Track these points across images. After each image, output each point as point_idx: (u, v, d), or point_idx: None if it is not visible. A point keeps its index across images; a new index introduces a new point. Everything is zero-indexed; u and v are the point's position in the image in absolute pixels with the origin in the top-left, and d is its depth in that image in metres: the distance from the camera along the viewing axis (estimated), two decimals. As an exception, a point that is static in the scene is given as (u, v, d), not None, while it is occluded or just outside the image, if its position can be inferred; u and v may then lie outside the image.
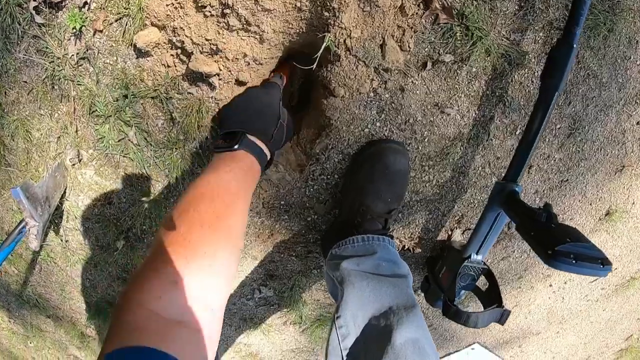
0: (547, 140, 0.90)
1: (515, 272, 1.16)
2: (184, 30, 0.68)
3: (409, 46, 0.74)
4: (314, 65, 0.70)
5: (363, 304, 0.70)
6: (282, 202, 0.94)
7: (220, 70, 0.73)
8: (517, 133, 0.88)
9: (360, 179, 0.83)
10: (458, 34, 0.75)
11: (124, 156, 0.89)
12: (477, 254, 0.88)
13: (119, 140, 0.87)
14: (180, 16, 0.67)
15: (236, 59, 0.71)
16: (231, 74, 0.74)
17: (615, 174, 1.01)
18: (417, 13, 0.72)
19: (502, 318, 0.84)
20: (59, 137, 0.90)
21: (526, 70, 0.82)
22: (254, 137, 0.60)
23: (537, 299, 1.28)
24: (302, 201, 0.93)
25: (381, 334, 0.64)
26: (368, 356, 0.64)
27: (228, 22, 0.65)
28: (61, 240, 1.07)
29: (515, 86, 0.83)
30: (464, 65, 0.78)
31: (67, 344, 1.49)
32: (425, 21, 0.74)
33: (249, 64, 0.74)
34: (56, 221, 1.03)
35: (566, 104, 0.88)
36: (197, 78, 0.77)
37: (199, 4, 0.64)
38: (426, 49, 0.76)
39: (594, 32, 0.80)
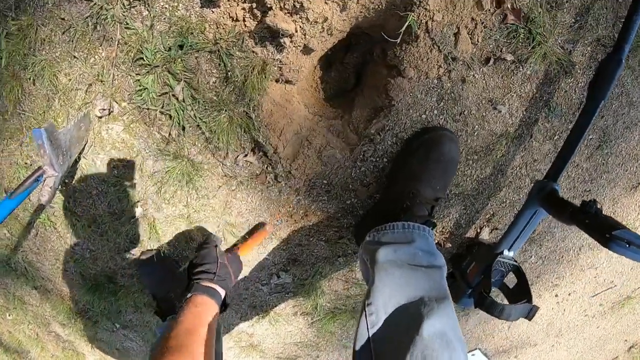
0: (579, 148, 1.01)
1: (528, 278, 1.27)
2: (268, -15, 0.71)
3: (478, 39, 0.82)
4: (398, 40, 0.75)
5: (395, 292, 0.73)
6: (325, 182, 0.97)
7: (296, 31, 0.76)
8: (555, 138, 0.98)
9: (414, 163, 0.88)
10: (521, 36, 0.84)
11: (162, 113, 0.88)
12: (509, 250, 0.97)
13: (160, 94, 0.86)
14: (267, -29, 0.70)
15: (315, 22, 0.74)
16: (304, 37, 0.77)
17: (631, 190, 1.14)
18: (490, 10, 0.80)
19: (530, 314, 0.92)
20: (90, 84, 0.87)
21: (572, 79, 0.92)
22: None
23: (541, 308, 1.40)
24: (345, 182, 0.97)
25: (410, 323, 0.67)
26: (395, 344, 0.67)
27: (320, -17, 0.69)
28: (68, 203, 1.03)
29: (561, 93, 0.93)
30: (522, 66, 0.87)
31: (50, 320, 1.42)
32: (495, 19, 0.82)
33: (323, 30, 0.78)
34: (66, 180, 0.99)
35: (599, 117, 1.00)
36: (265, 37, 0.79)
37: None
38: (491, 45, 0.84)
39: (635, 52, 0.92)
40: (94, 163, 0.97)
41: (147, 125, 0.91)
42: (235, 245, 1.08)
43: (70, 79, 0.87)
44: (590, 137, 1.01)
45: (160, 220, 1.05)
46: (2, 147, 1.00)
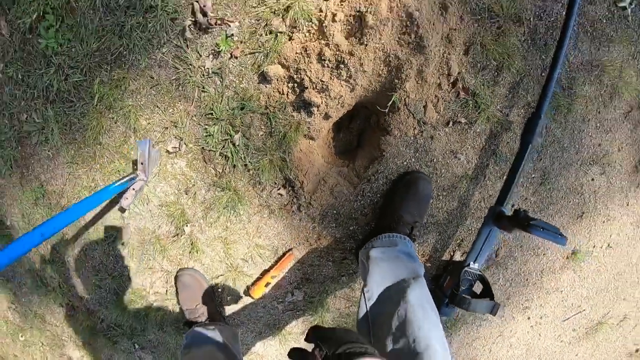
0: (525, 185, 1.38)
1: (499, 299, 1.54)
2: (305, 71, 1.11)
3: (440, 109, 1.24)
4: (387, 110, 1.16)
5: (384, 276, 1.04)
6: (334, 211, 1.30)
7: (321, 104, 1.16)
8: (503, 177, 1.36)
9: (398, 197, 1.24)
10: (470, 105, 1.26)
11: (221, 154, 1.23)
12: (474, 262, 1.27)
13: (222, 140, 1.21)
14: (304, 62, 1.11)
15: (335, 98, 1.14)
16: (326, 108, 1.17)
17: (577, 218, 1.49)
18: (447, 89, 1.23)
19: (494, 310, 1.19)
20: (166, 127, 1.21)
21: (511, 133, 1.32)
22: None
23: (517, 331, 1.64)
24: (349, 212, 1.30)
25: (395, 296, 0.97)
26: (385, 310, 0.96)
27: (339, 72, 1.10)
28: (121, 220, 1.31)
29: (504, 144, 1.32)
30: (472, 126, 1.28)
31: (67, 341, 1.54)
32: (451, 95, 1.25)
33: (338, 103, 1.18)
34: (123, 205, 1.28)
35: (538, 160, 1.38)
36: (300, 106, 1.18)
37: (322, 57, 1.10)
38: (450, 113, 1.26)
39: (558, 110, 1.32)
40: (154, 190, 1.27)
41: (205, 163, 1.24)
42: (268, 269, 1.36)
43: (149, 123, 1.21)
44: (533, 175, 1.39)
45: (201, 241, 1.33)
46: (72, 170, 1.30)
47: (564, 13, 1.19)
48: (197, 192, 1.27)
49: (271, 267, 1.35)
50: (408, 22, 1.07)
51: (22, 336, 1.60)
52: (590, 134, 1.38)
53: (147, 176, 1.12)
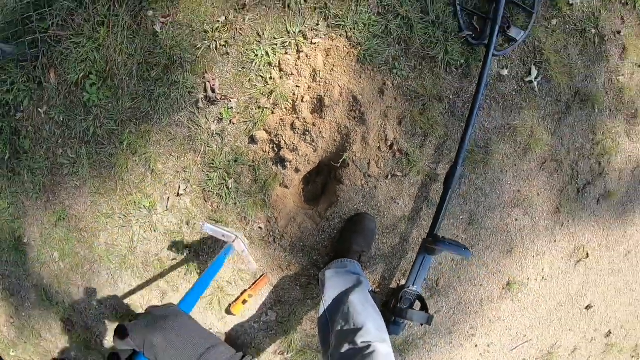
0: (455, 225, 1.77)
1: (446, 326, 1.83)
2: (282, 136, 1.58)
3: (381, 165, 1.69)
4: (339, 164, 1.60)
5: (335, 287, 1.38)
6: (301, 244, 1.66)
7: (292, 160, 1.60)
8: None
9: (348, 232, 1.62)
10: (404, 162, 1.71)
11: (217, 194, 1.63)
12: (413, 285, 1.61)
13: (218, 184, 1.63)
14: (282, 129, 1.58)
15: (302, 156, 1.59)
16: (297, 163, 1.61)
17: (507, 253, 1.84)
18: (385, 150, 1.69)
19: (429, 320, 1.50)
20: (178, 172, 1.63)
21: (439, 183, 1.74)
22: None
23: (467, 359, 1.88)
24: (313, 244, 1.67)
25: (344, 297, 1.32)
26: (337, 308, 1.30)
27: (306, 137, 1.57)
28: (129, 246, 1.65)
29: (433, 192, 1.75)
30: (407, 178, 1.72)
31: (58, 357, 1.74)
32: (389, 155, 1.70)
33: (305, 160, 1.62)
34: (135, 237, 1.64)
35: (465, 204, 1.78)
36: (277, 161, 1.62)
37: (294, 127, 1.57)
38: (388, 168, 1.70)
39: (477, 164, 1.75)
40: (161, 221, 1.64)
41: (205, 201, 1.64)
42: (246, 290, 1.67)
43: (164, 166, 1.62)
44: (461, 217, 1.78)
45: (195, 265, 1.66)
46: (95, 199, 1.66)
47: (474, 91, 1.54)
48: (196, 223, 1.64)
49: (249, 288, 1.67)
50: (354, 103, 1.57)
51: (13, 352, 1.79)
52: (509, 182, 1.76)
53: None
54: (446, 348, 1.87)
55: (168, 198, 1.64)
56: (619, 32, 1.72)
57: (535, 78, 1.70)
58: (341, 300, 1.32)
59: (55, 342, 1.80)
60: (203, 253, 1.66)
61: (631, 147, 1.87)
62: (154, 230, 1.65)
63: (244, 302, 1.64)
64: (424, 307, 1.56)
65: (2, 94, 1.66)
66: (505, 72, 1.67)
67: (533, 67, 1.68)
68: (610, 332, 2.15)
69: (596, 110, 1.77)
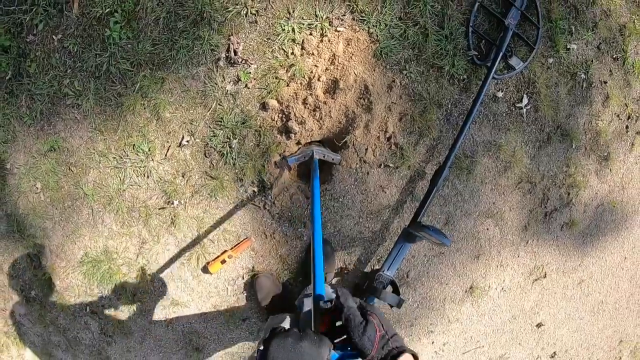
0: (432, 223, 1.92)
1: (408, 318, 1.94)
2: (293, 108, 1.69)
3: (376, 154, 1.83)
4: (341, 145, 1.72)
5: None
6: (290, 213, 1.75)
7: (298, 131, 1.71)
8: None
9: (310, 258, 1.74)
10: (398, 155, 1.86)
11: (218, 152, 1.69)
12: (388, 270, 1.72)
13: (222, 141, 1.69)
14: (294, 102, 1.69)
15: (308, 130, 1.71)
16: (301, 135, 1.72)
17: (474, 259, 2.00)
18: (383, 141, 1.84)
19: (399, 303, 1.61)
20: (184, 123, 1.68)
21: (425, 181, 1.90)
22: None
23: (423, 354, 1.99)
24: (300, 216, 1.76)
25: None
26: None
27: (315, 113, 1.69)
28: (118, 188, 1.68)
29: (420, 187, 1.89)
30: (397, 170, 1.86)
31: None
32: (385, 146, 1.85)
33: (309, 135, 1.74)
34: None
35: (445, 205, 1.94)
36: (282, 130, 1.72)
37: (305, 102, 1.69)
38: (382, 158, 1.84)
39: (461, 170, 1.93)
40: (158, 167, 1.68)
41: (205, 156, 1.70)
42: (229, 249, 1.73)
43: (171, 115, 1.67)
44: (439, 216, 1.94)
45: (181, 217, 1.70)
46: (93, 135, 1.68)
47: (470, 105, 1.79)
48: (191, 176, 1.70)
49: (230, 249, 1.72)
50: (365, 91, 1.72)
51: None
52: (486, 193, 1.95)
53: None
54: (405, 340, 1.98)
55: (169, 147, 1.69)
56: (605, 82, 1.98)
57: (525, 105, 1.92)
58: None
59: (17, 277, 1.76)
60: (191, 206, 1.71)
61: (598, 186, 2.12)
62: (147, 177, 1.69)
63: (223, 261, 1.69)
64: (396, 291, 1.68)
65: (19, 12, 1.67)
66: (500, 94, 1.87)
67: (525, 96, 1.90)
68: (555, 354, 2.34)
69: (573, 146, 2.01)
